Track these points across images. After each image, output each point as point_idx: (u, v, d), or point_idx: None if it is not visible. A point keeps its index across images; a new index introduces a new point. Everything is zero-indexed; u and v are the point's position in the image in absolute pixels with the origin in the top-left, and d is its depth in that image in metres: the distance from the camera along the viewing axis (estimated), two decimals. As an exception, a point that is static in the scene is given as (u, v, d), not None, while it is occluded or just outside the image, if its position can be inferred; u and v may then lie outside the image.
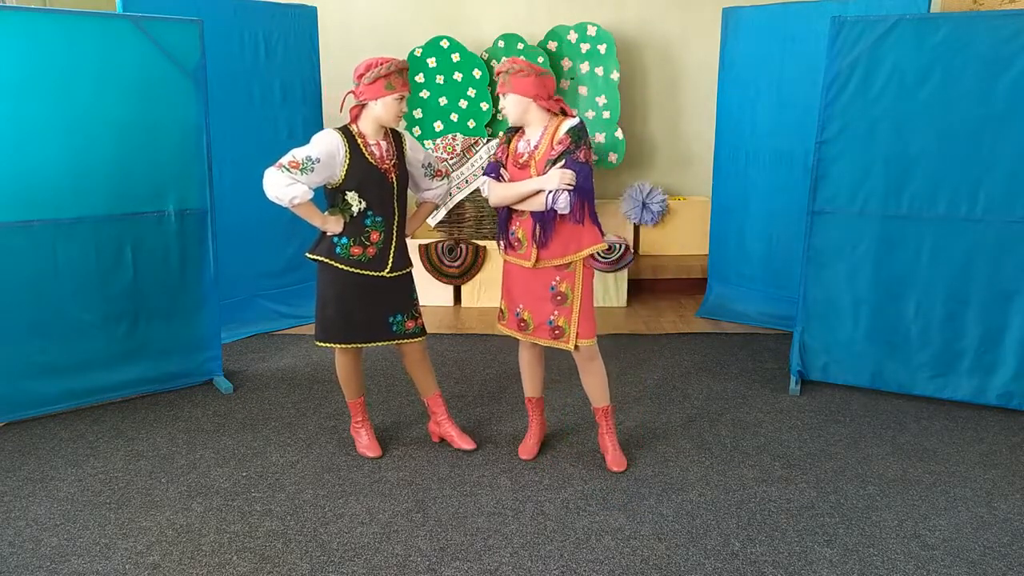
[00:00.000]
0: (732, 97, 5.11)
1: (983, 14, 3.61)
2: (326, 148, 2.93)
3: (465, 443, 3.34)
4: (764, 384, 4.13)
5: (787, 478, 3.16)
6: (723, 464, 3.27)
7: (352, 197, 2.97)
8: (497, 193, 3.02)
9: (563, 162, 2.88)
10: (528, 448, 3.32)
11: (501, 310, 3.23)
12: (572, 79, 5.96)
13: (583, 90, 5.94)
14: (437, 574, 2.55)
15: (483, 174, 3.08)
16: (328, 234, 3.03)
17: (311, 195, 2.93)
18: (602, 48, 5.85)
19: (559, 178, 2.85)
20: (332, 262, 3.04)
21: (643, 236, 6.06)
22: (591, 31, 5.84)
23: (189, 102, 3.78)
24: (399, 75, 2.94)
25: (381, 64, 2.90)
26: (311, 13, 5.04)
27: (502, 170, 3.04)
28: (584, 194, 2.91)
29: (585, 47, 5.88)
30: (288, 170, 2.87)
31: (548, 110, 2.97)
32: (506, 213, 3.08)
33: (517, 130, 3.07)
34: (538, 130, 2.98)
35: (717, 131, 5.24)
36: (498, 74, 2.97)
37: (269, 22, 4.82)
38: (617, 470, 3.18)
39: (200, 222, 3.92)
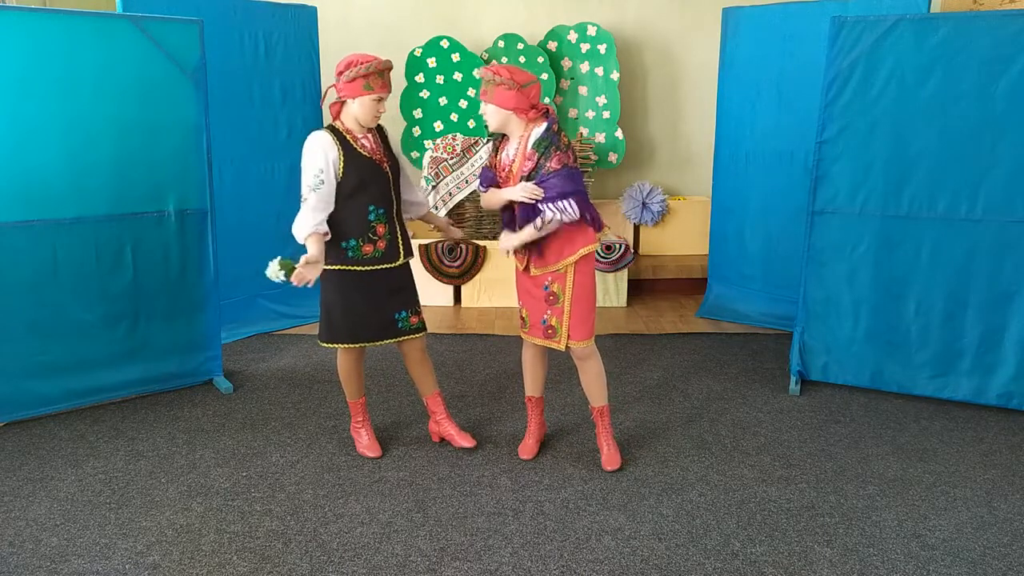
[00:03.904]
0: (732, 97, 5.11)
1: (983, 14, 3.61)
2: (321, 152, 2.92)
3: (465, 441, 3.34)
4: (764, 384, 4.13)
5: (787, 478, 3.16)
6: (723, 464, 3.27)
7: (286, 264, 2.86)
8: (485, 200, 3.12)
9: (537, 179, 2.89)
10: (528, 448, 3.32)
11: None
12: (572, 79, 5.96)
13: (583, 90, 5.94)
14: (437, 574, 2.55)
15: (478, 182, 3.14)
16: (331, 242, 3.00)
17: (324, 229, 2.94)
18: (602, 48, 5.85)
19: (521, 190, 2.89)
20: (348, 267, 3.04)
21: (643, 236, 6.06)
22: (591, 31, 5.84)
23: (189, 102, 3.78)
24: (379, 76, 2.92)
25: (361, 63, 2.89)
26: (311, 13, 5.04)
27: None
28: (572, 195, 2.89)
29: (585, 47, 5.88)
30: (309, 201, 2.89)
31: (528, 121, 2.96)
32: (509, 216, 3.09)
33: (503, 136, 3.08)
34: (516, 140, 3.00)
35: (717, 131, 5.24)
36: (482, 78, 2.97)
37: (269, 22, 4.82)
38: (609, 469, 3.18)
39: (200, 222, 3.92)
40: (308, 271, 2.82)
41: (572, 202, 2.89)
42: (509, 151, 3.03)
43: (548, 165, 2.88)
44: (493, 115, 2.96)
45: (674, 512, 2.90)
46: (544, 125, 2.94)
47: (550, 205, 2.88)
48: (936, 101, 3.54)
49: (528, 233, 2.96)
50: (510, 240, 3.04)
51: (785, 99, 4.85)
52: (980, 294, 3.65)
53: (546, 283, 3.06)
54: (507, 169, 3.02)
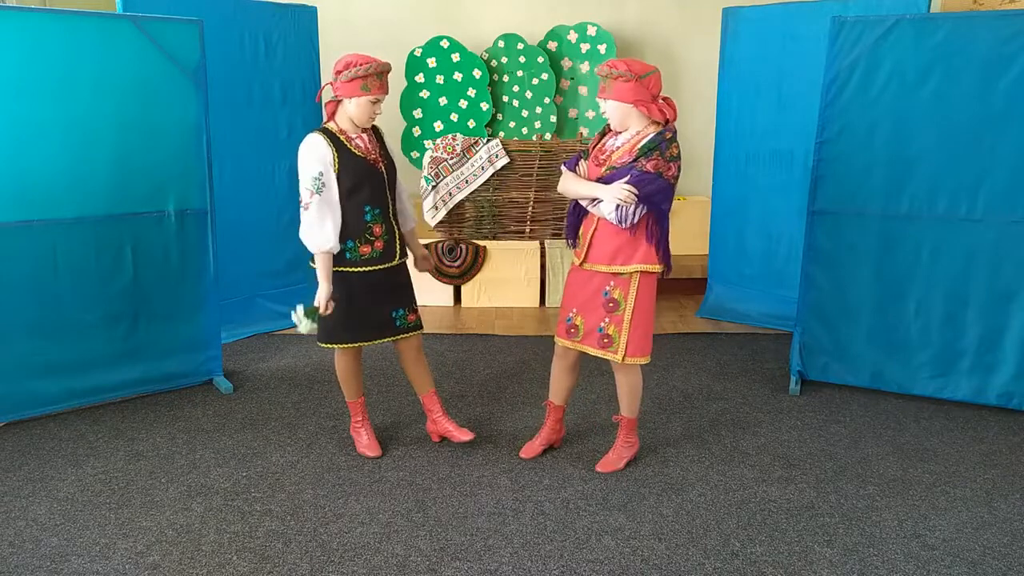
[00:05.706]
0: (732, 97, 5.11)
1: (983, 14, 3.62)
2: (316, 155, 2.92)
3: (464, 435, 3.31)
4: (764, 384, 4.13)
5: (787, 478, 3.16)
6: (723, 464, 3.27)
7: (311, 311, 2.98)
8: (566, 184, 3.00)
9: (628, 176, 2.80)
10: (532, 448, 3.31)
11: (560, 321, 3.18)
12: (572, 79, 5.97)
13: (583, 90, 5.94)
14: (437, 574, 2.55)
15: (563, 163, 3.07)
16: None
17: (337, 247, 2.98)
18: (602, 48, 5.85)
19: (616, 192, 2.80)
20: (346, 268, 3.04)
21: (643, 236, 6.04)
22: (591, 31, 5.85)
23: (189, 102, 3.77)
24: (377, 77, 2.91)
25: (360, 64, 2.88)
26: (311, 13, 5.04)
27: (581, 161, 3.01)
28: (649, 205, 2.82)
29: (585, 47, 5.88)
30: (312, 207, 2.89)
31: (650, 115, 2.86)
32: (577, 210, 3.04)
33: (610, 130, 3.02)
34: (630, 133, 2.91)
35: (717, 131, 5.24)
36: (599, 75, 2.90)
37: (269, 22, 4.82)
38: (599, 470, 3.18)
39: (200, 222, 3.92)
40: (326, 303, 2.98)
41: (635, 209, 2.81)
42: (617, 139, 2.94)
43: (643, 164, 2.80)
44: (614, 111, 2.87)
45: (674, 512, 2.90)
46: (660, 131, 2.85)
47: (620, 207, 2.81)
48: (936, 101, 3.54)
49: (589, 191, 2.89)
50: (576, 184, 2.94)
51: (785, 99, 4.85)
52: (980, 294, 3.65)
53: (607, 288, 2.97)
54: (605, 154, 2.94)
